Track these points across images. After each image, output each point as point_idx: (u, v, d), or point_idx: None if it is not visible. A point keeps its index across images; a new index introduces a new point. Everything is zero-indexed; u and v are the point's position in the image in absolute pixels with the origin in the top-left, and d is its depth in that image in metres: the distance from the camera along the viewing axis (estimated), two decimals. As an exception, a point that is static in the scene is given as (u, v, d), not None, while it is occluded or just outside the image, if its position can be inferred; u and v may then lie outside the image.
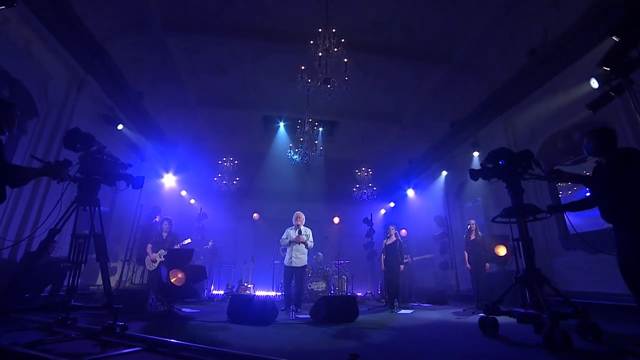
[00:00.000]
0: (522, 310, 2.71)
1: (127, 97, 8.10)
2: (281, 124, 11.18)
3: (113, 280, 7.51)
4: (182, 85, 9.25)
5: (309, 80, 5.85)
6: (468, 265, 6.21)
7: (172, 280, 4.09)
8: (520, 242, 2.91)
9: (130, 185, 3.39)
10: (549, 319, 2.26)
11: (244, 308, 3.79)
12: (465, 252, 6.37)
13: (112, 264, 7.80)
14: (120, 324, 2.56)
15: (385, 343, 2.83)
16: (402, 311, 5.64)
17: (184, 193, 12.17)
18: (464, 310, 5.69)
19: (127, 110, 8.32)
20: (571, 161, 6.00)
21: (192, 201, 12.25)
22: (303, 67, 5.63)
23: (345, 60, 5.42)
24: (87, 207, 3.02)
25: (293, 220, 6.18)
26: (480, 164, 3.24)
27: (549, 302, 2.44)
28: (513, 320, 2.94)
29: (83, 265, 2.98)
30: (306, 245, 5.96)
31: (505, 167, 3.04)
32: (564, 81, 5.98)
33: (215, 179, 10.53)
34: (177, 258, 4.34)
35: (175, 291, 4.18)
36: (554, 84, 6.28)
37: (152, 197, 9.94)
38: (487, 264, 6.05)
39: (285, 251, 6.14)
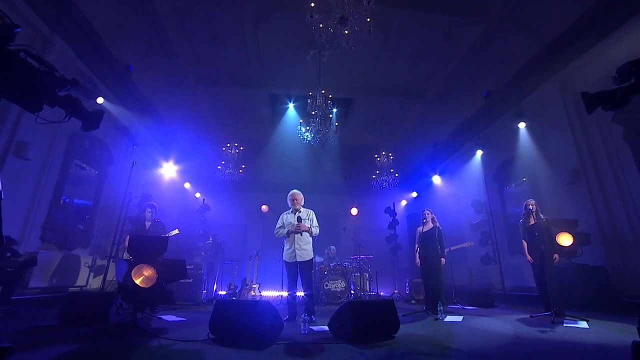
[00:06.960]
0: None
1: (112, 70, 7.02)
2: (290, 105, 9.98)
3: (96, 282, 6.46)
4: (176, 59, 8.16)
5: (321, 26, 4.61)
6: (529, 257, 4.84)
7: (135, 281, 2.90)
8: None
9: (81, 124, 2.14)
10: None
11: (233, 320, 2.55)
12: (523, 241, 4.99)
13: (98, 262, 6.77)
14: None
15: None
16: (449, 318, 4.33)
17: (187, 185, 11.15)
18: (531, 316, 4.33)
19: (114, 87, 7.26)
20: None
21: (198, 195, 11.21)
22: (313, 4, 4.37)
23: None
24: None
25: (289, 202, 4.76)
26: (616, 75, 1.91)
27: None
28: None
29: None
30: (310, 233, 4.56)
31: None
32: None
33: (219, 167, 9.39)
34: (146, 248, 3.09)
35: (140, 295, 2.99)
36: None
37: (149, 189, 8.88)
38: (556, 256, 4.66)
39: (283, 243, 4.73)
